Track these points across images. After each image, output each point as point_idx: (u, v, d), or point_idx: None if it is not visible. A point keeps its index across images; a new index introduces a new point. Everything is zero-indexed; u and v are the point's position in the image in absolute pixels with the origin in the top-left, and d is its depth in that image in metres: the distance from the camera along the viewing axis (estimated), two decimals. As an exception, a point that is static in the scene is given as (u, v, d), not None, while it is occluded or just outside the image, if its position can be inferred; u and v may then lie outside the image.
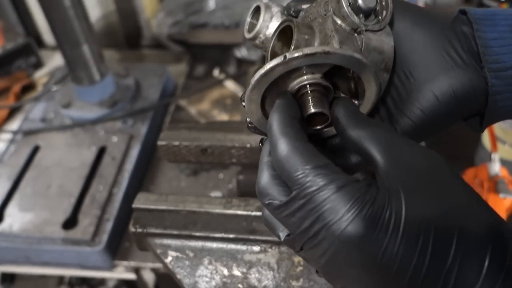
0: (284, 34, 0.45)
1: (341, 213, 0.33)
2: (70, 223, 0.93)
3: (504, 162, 0.95)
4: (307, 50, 0.38)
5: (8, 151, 1.10)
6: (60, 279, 1.37)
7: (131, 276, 0.96)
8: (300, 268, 0.66)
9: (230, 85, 1.32)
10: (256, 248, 0.68)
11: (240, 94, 1.28)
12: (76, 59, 1.08)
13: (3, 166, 1.06)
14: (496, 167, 0.90)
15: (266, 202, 0.39)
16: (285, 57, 0.38)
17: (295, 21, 0.44)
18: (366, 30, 0.43)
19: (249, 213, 0.68)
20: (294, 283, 0.65)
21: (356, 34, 0.43)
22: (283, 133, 0.37)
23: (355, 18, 0.42)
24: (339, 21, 0.43)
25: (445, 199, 0.34)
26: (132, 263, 0.92)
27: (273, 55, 0.45)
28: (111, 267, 0.93)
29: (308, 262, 0.39)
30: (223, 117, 1.23)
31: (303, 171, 0.35)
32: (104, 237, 0.90)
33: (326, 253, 0.35)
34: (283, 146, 0.37)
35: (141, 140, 1.09)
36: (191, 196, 0.71)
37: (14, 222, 0.93)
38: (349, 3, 0.42)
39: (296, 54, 0.38)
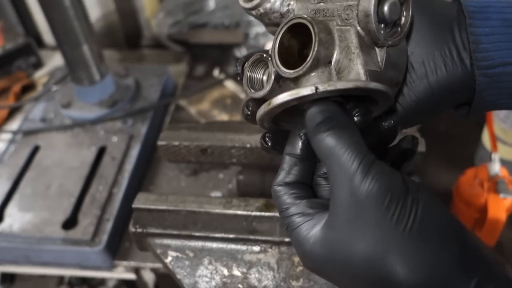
0: (294, 26, 0.42)
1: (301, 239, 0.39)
2: (70, 223, 0.93)
3: (504, 162, 0.95)
4: (340, 85, 0.38)
5: (8, 151, 1.10)
6: (60, 279, 1.37)
7: (131, 276, 0.96)
8: (300, 268, 0.66)
9: (230, 85, 1.32)
10: (256, 248, 0.68)
11: (240, 94, 1.28)
12: (76, 59, 1.08)
13: (3, 166, 1.06)
14: (496, 167, 0.89)
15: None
16: (316, 89, 0.37)
17: (313, 23, 0.40)
18: (388, 46, 0.42)
19: (249, 213, 0.68)
20: (294, 283, 0.65)
21: (376, 48, 0.42)
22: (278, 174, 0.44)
23: (381, 34, 0.41)
24: (363, 33, 0.41)
25: (370, 236, 0.35)
26: (132, 263, 0.92)
27: (281, 47, 0.42)
28: (111, 267, 0.93)
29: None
30: (223, 117, 1.23)
31: (283, 209, 0.41)
32: (104, 237, 0.90)
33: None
34: (275, 184, 0.43)
35: (141, 140, 1.08)
36: (191, 196, 0.71)
37: (14, 222, 0.93)
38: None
39: (329, 88, 0.37)
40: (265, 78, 0.44)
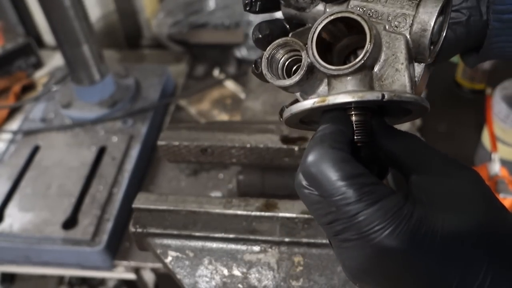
0: (337, 20, 0.40)
1: (377, 227, 0.33)
2: (70, 223, 0.93)
3: (504, 162, 0.95)
4: (388, 96, 0.36)
5: (8, 151, 1.10)
6: (60, 279, 1.37)
7: (131, 276, 0.96)
8: (300, 268, 0.66)
9: (230, 85, 1.32)
10: (256, 248, 0.68)
11: (240, 94, 1.28)
12: (76, 59, 1.08)
13: (3, 166, 1.06)
14: (496, 167, 0.90)
15: (306, 192, 0.37)
16: (383, 96, 0.36)
17: (368, 22, 0.38)
18: (427, 63, 0.41)
19: (249, 213, 0.68)
20: (294, 283, 0.65)
21: (415, 62, 0.41)
22: (331, 138, 0.37)
23: (427, 51, 0.40)
24: (411, 45, 0.40)
25: (479, 216, 0.35)
26: (132, 263, 0.92)
27: (319, 40, 0.40)
28: (111, 267, 0.93)
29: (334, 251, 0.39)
30: (223, 117, 1.23)
31: (334, 180, 0.35)
32: (104, 237, 0.90)
33: (355, 259, 0.35)
34: (317, 151, 0.36)
35: (141, 140, 1.08)
36: (191, 196, 0.71)
37: (14, 222, 0.93)
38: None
39: (370, 98, 0.36)
40: (286, 64, 0.42)
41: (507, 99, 0.98)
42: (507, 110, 0.95)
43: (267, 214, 0.68)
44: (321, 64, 0.38)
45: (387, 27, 0.40)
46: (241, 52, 1.37)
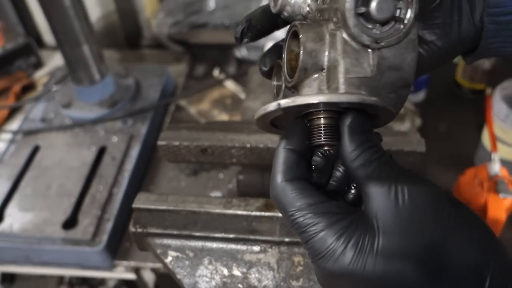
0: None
1: (321, 254, 0.36)
2: (70, 223, 0.93)
3: (504, 162, 0.95)
4: (300, 101, 0.37)
5: (8, 151, 1.10)
6: (60, 279, 1.37)
7: (131, 276, 0.96)
8: (300, 268, 0.66)
9: (230, 85, 1.32)
10: (256, 248, 0.68)
11: (240, 94, 1.28)
12: (76, 59, 1.08)
13: (3, 166, 1.06)
14: (496, 167, 0.90)
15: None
16: (279, 104, 0.37)
17: (302, 31, 0.39)
18: (380, 48, 0.39)
19: (249, 213, 0.68)
20: (294, 283, 0.65)
21: (370, 51, 0.39)
22: (281, 170, 0.40)
23: (365, 38, 0.38)
24: (348, 39, 0.39)
25: (427, 238, 0.35)
26: (132, 263, 0.93)
27: (291, 53, 0.42)
28: (111, 267, 0.93)
29: None
30: (223, 117, 1.23)
31: (293, 210, 0.38)
32: (104, 237, 0.90)
33: (318, 276, 0.39)
34: (279, 181, 0.39)
35: (141, 140, 1.09)
36: (191, 196, 0.71)
37: (14, 222, 0.93)
38: (361, 13, 0.37)
39: (290, 105, 0.37)
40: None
41: (507, 99, 0.98)
42: (507, 110, 0.95)
43: (267, 214, 0.68)
44: (286, 79, 0.41)
45: (332, 27, 0.40)
46: (241, 52, 1.37)
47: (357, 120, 0.38)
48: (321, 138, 0.40)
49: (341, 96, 0.38)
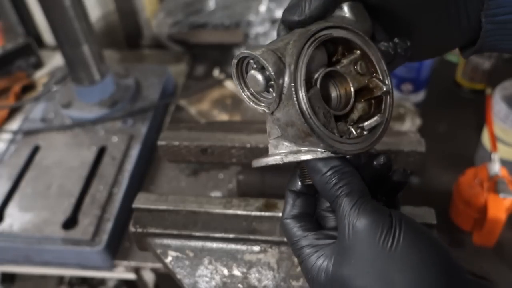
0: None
1: (312, 266, 0.44)
2: (70, 223, 0.93)
3: (504, 162, 0.95)
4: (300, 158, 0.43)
5: (8, 151, 1.10)
6: (60, 279, 1.37)
7: (131, 276, 0.96)
8: (300, 268, 0.66)
9: (230, 85, 1.32)
10: (256, 248, 0.68)
11: (240, 94, 1.28)
12: (76, 59, 1.08)
13: (3, 166, 1.06)
14: (496, 167, 0.89)
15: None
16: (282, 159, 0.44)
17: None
18: (271, 113, 0.43)
19: (249, 213, 0.68)
20: (294, 283, 0.65)
21: (270, 115, 0.44)
22: (283, 209, 0.49)
23: (260, 108, 0.44)
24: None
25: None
26: (132, 263, 0.92)
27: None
28: (111, 267, 0.93)
29: None
30: (223, 117, 1.23)
31: (294, 241, 0.47)
32: (104, 237, 0.90)
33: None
34: (282, 219, 0.49)
35: (141, 140, 1.09)
36: (191, 196, 0.71)
37: (14, 222, 0.93)
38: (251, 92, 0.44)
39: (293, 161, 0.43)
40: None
41: (507, 99, 0.98)
42: (507, 110, 0.95)
43: (267, 214, 0.68)
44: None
45: None
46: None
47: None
48: (306, 179, 0.47)
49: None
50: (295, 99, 0.40)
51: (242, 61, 0.44)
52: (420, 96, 1.20)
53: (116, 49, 1.51)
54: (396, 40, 0.47)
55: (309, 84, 0.41)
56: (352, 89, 0.44)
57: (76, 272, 0.96)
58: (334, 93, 0.44)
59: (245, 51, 0.42)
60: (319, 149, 0.42)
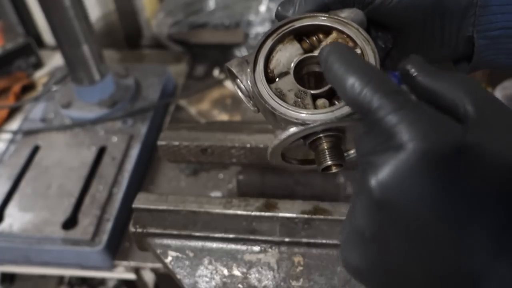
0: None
1: (428, 130, 0.30)
2: (70, 223, 0.93)
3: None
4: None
5: (8, 151, 1.10)
6: (60, 279, 1.37)
7: (131, 276, 0.96)
8: (300, 268, 0.66)
9: (230, 85, 1.32)
10: (256, 248, 0.68)
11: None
12: (76, 59, 1.08)
13: (3, 166, 1.06)
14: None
15: None
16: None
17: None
18: (256, 109, 0.47)
19: (249, 213, 0.68)
20: (294, 283, 0.65)
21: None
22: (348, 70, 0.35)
23: (250, 106, 0.48)
24: None
25: None
26: (132, 263, 0.92)
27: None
28: (111, 267, 0.93)
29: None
30: (223, 117, 1.23)
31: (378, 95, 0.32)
32: (104, 237, 0.90)
33: (401, 171, 0.30)
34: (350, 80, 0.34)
35: (141, 140, 1.08)
36: (191, 196, 0.71)
37: (14, 222, 0.93)
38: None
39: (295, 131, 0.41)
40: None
41: (507, 99, 0.98)
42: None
43: (267, 214, 0.68)
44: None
45: None
46: (241, 52, 1.37)
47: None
48: (328, 160, 0.42)
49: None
50: (256, 88, 0.43)
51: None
52: (420, 96, 1.20)
53: (116, 49, 1.51)
54: (379, 33, 0.48)
55: (283, 74, 0.44)
56: None
57: (76, 272, 0.96)
58: (315, 70, 0.46)
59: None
60: (292, 126, 0.42)
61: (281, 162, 0.48)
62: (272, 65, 0.44)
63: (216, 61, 1.39)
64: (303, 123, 0.40)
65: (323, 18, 0.44)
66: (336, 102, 0.42)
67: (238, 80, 0.46)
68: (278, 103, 0.42)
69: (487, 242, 0.29)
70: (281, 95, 0.42)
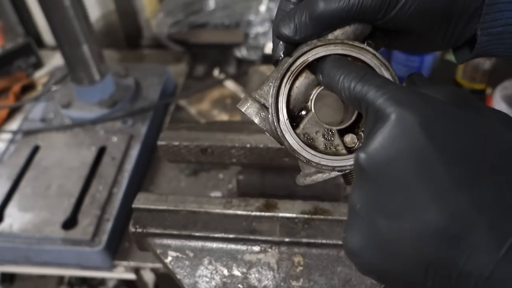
0: None
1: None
2: (70, 223, 0.93)
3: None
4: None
5: (8, 151, 1.10)
6: (60, 279, 1.37)
7: (131, 276, 0.96)
8: (300, 268, 0.66)
9: (230, 85, 1.32)
10: (256, 248, 0.68)
11: (240, 94, 1.28)
12: (76, 59, 1.08)
13: (3, 166, 1.06)
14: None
15: None
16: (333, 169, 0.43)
17: None
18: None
19: (249, 213, 0.68)
20: (294, 283, 0.65)
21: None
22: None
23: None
24: None
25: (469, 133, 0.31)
26: (132, 263, 0.92)
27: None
28: (111, 267, 0.93)
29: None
30: (223, 117, 1.23)
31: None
32: (104, 237, 0.90)
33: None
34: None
35: (141, 140, 1.08)
36: (191, 196, 0.71)
37: (14, 222, 0.93)
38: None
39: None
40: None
41: (507, 99, 0.98)
42: (507, 110, 0.95)
43: (267, 214, 0.68)
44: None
45: None
46: (241, 52, 1.37)
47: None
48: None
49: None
50: (286, 140, 0.42)
51: None
52: (420, 96, 1.20)
53: (116, 49, 1.51)
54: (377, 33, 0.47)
55: (304, 111, 0.44)
56: None
57: (76, 272, 0.96)
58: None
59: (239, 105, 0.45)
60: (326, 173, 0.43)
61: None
62: (291, 104, 0.43)
63: (216, 61, 1.40)
64: (338, 170, 0.43)
65: (336, 46, 0.42)
66: (362, 134, 0.43)
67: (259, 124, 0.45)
68: (310, 153, 0.42)
69: (472, 204, 0.29)
70: (309, 140, 0.43)
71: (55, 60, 1.44)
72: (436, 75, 1.23)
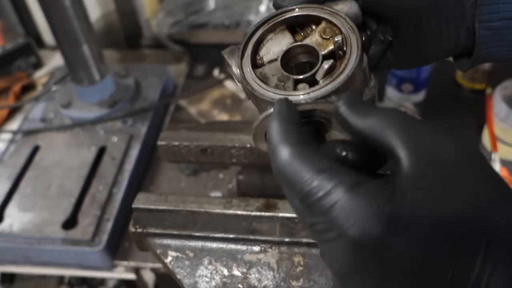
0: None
1: (354, 217, 0.30)
2: (70, 223, 0.93)
3: (504, 162, 0.95)
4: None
5: (8, 151, 1.10)
6: (60, 279, 1.37)
7: (131, 276, 0.96)
8: (300, 268, 0.66)
9: (230, 85, 1.32)
10: (256, 248, 0.68)
11: (240, 94, 1.28)
12: (76, 59, 1.08)
13: (3, 166, 1.06)
14: (496, 167, 0.90)
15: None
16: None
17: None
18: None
19: (249, 213, 0.68)
20: (294, 283, 0.65)
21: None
22: (281, 140, 0.35)
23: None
24: None
25: (475, 196, 0.30)
26: (132, 263, 0.92)
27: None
28: (111, 267, 0.93)
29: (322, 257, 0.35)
30: (223, 117, 1.23)
31: (306, 178, 0.32)
32: (104, 237, 0.90)
33: (339, 259, 0.32)
34: (282, 153, 0.34)
35: (141, 140, 1.08)
36: (191, 196, 0.71)
37: (14, 222, 0.93)
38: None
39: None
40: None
41: (507, 99, 0.98)
42: (507, 110, 0.95)
43: (267, 214, 0.68)
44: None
45: None
46: (241, 52, 1.37)
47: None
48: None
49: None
50: (241, 71, 0.44)
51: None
52: (420, 96, 1.20)
53: (116, 49, 1.51)
54: (378, 26, 0.48)
55: (272, 61, 0.45)
56: (319, 53, 0.44)
57: (76, 272, 0.96)
58: (303, 61, 0.46)
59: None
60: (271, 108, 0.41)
61: (265, 146, 0.45)
62: (261, 52, 0.45)
63: (216, 61, 1.39)
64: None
65: (313, 8, 0.45)
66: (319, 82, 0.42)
67: (229, 65, 0.47)
68: (258, 84, 0.43)
69: None
70: (264, 79, 0.44)
71: (55, 60, 1.44)
72: (436, 75, 1.23)
